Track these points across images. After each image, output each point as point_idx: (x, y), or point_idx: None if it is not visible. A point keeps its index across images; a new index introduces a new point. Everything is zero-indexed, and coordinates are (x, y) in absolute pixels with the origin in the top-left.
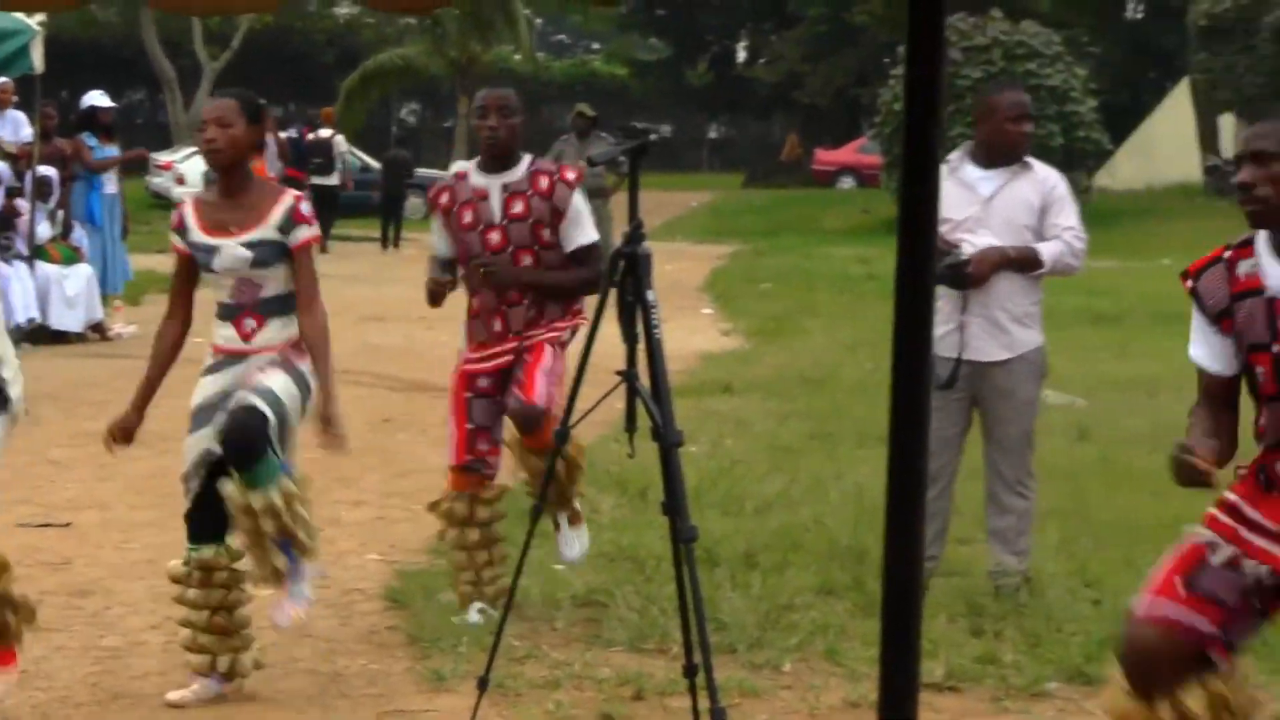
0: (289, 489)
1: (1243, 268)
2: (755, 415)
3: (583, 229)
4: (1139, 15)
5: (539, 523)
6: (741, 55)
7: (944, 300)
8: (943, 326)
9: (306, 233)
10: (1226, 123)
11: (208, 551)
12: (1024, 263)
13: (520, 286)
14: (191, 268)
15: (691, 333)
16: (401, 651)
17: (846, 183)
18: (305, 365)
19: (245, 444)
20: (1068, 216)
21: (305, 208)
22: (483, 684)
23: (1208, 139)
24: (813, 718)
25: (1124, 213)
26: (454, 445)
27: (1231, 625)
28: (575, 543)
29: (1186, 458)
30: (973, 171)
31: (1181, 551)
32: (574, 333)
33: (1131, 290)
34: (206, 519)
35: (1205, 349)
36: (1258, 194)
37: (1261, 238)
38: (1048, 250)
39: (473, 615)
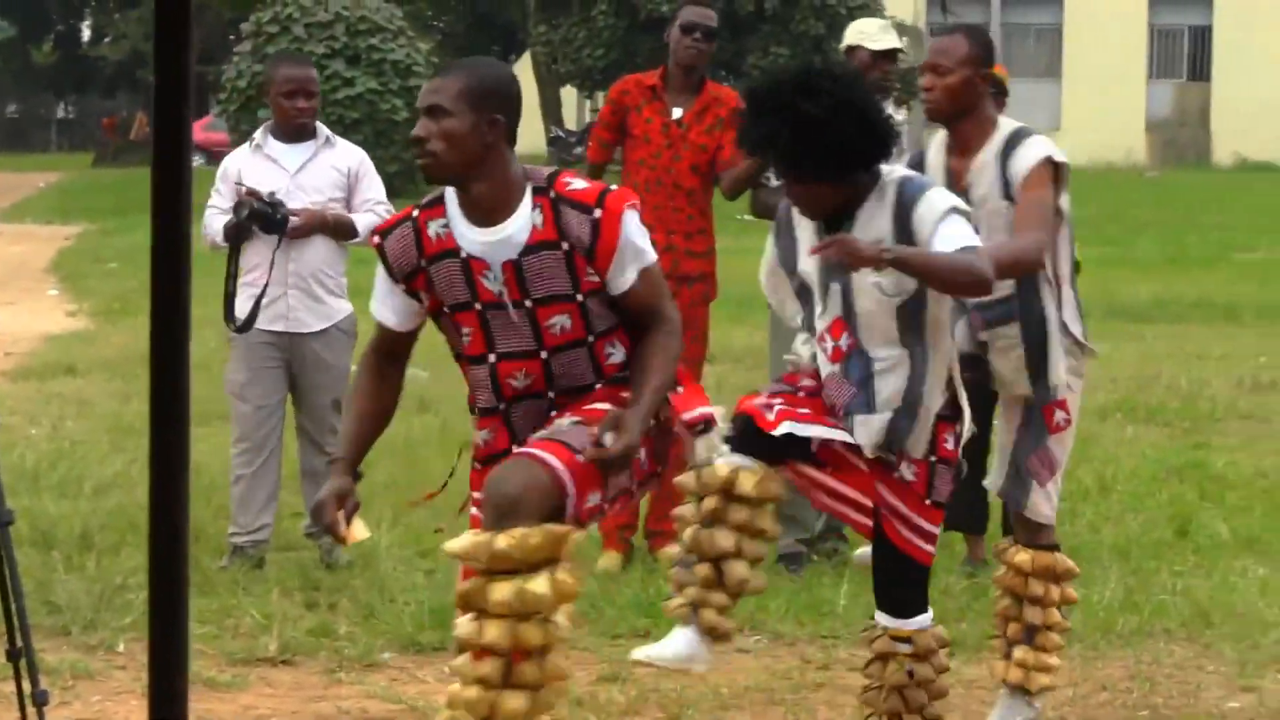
0: None
1: (433, 228)
2: (98, 396)
3: None
4: None
5: None
6: (87, 34)
7: (259, 272)
8: (251, 298)
9: None
10: (568, 95)
11: None
12: (341, 228)
13: None
14: None
15: (36, 315)
16: None
17: (197, 160)
18: None
19: None
20: (377, 190)
21: None
22: None
23: (550, 110)
24: (144, 698)
25: None
26: None
27: None
28: None
29: (326, 522)
30: (276, 146)
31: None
32: None
33: None
34: None
35: (387, 307)
36: (429, 148)
37: (451, 197)
38: (362, 221)
39: None
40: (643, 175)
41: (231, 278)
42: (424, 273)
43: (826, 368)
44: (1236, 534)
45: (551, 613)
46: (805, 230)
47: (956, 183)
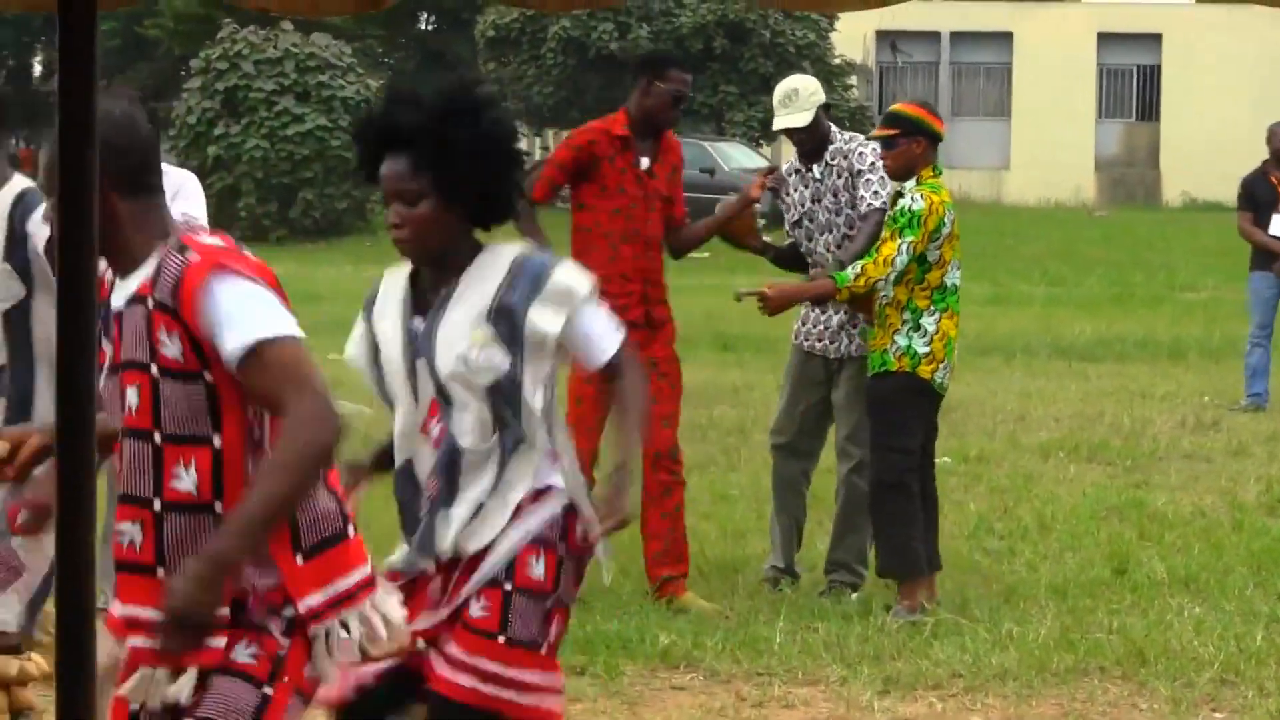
0: None
1: (110, 274)
2: None
3: None
4: (430, 26)
5: None
6: (38, 70)
7: None
8: None
9: None
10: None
11: None
12: None
13: None
14: None
15: None
16: None
17: None
18: None
19: None
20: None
21: None
22: None
23: None
24: None
25: None
26: None
27: None
28: None
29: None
30: None
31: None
32: None
33: None
34: None
35: None
36: None
37: None
38: None
39: None
40: (619, 226)
41: None
42: (101, 320)
43: (429, 459)
44: (1174, 573)
45: None
46: (391, 311)
47: None
